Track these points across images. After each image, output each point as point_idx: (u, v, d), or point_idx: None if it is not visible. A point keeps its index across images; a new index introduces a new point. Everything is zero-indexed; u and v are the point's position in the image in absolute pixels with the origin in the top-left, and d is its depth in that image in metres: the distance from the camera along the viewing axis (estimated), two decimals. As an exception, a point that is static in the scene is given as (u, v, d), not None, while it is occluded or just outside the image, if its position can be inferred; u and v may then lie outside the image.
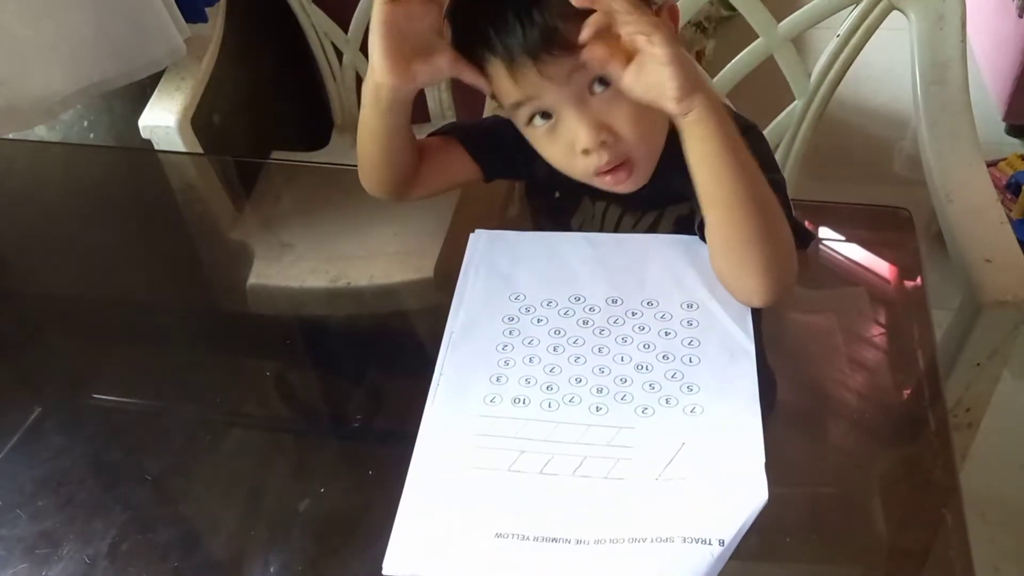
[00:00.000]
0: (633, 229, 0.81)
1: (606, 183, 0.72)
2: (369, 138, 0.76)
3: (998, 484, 1.37)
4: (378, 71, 0.68)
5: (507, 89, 0.69)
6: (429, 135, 0.85)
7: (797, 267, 0.68)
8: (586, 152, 0.70)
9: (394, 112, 0.72)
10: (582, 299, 0.73)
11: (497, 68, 0.68)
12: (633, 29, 0.61)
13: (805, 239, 0.76)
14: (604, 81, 0.68)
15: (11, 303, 0.88)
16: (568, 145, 0.71)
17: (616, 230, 0.81)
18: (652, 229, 0.80)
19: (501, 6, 0.66)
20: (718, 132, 0.64)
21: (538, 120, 0.71)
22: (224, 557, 0.60)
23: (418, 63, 0.68)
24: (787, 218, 0.71)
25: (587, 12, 0.64)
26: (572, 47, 0.65)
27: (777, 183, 0.73)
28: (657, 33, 0.61)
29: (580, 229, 0.82)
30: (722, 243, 0.69)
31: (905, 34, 1.02)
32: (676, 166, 0.75)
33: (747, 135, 0.76)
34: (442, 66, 0.69)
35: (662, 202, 0.79)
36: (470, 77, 0.70)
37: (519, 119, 0.72)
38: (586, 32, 0.62)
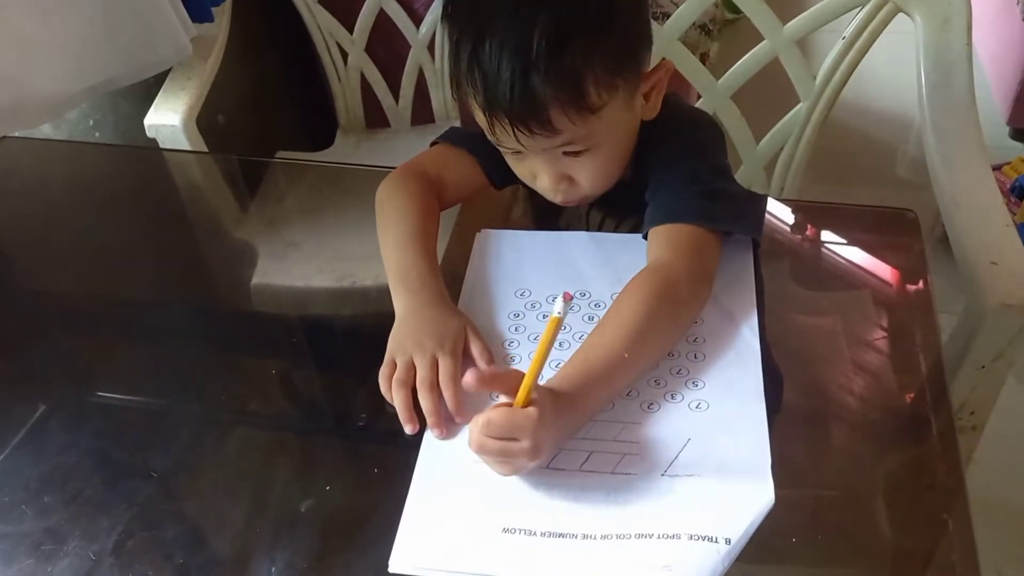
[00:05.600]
0: (616, 230, 0.82)
1: (557, 201, 0.75)
2: None
3: (1003, 487, 1.37)
4: None
5: (481, 122, 0.69)
6: (436, 139, 0.85)
7: (706, 294, 0.70)
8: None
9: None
10: (587, 295, 0.73)
11: (476, 104, 0.67)
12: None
13: (750, 228, 0.75)
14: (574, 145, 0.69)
15: (17, 300, 0.88)
16: (530, 172, 0.73)
17: (600, 230, 0.82)
18: (634, 230, 0.81)
19: (499, 56, 0.63)
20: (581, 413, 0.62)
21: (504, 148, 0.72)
22: (229, 554, 0.60)
23: None
24: (732, 209, 0.73)
25: (577, 100, 0.64)
26: (554, 131, 0.66)
27: (718, 192, 0.73)
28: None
29: (566, 229, 0.84)
30: None
31: (910, 37, 1.02)
32: (652, 167, 0.75)
33: (694, 124, 0.78)
34: None
35: (643, 205, 0.79)
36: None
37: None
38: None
